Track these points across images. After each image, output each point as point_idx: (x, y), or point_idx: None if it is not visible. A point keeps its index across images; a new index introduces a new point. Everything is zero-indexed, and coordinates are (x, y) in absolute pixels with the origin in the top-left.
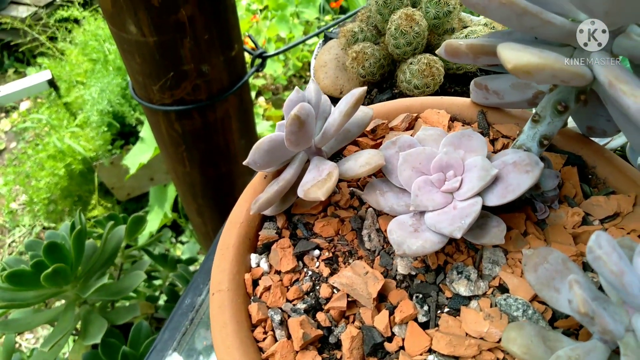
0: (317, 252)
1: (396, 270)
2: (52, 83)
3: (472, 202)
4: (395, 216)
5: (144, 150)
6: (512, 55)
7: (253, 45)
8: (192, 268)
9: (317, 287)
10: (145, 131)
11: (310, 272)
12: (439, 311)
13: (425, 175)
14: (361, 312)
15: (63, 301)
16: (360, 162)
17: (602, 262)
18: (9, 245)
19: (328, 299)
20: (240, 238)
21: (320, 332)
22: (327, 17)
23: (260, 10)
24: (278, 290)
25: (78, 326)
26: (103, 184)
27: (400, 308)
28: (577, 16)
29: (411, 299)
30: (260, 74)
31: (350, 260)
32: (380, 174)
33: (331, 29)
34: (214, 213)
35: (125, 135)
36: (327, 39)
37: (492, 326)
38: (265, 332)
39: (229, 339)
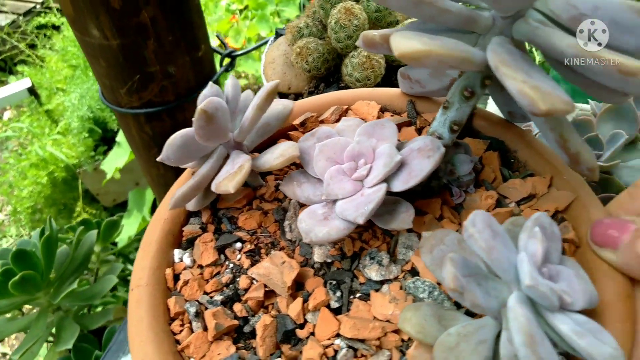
0: (239, 244)
1: (314, 259)
2: (32, 91)
3: (376, 188)
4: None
5: (120, 155)
6: (400, 42)
7: (222, 45)
8: None
9: (237, 279)
10: (121, 135)
11: (231, 265)
12: (351, 296)
13: (339, 165)
14: (278, 302)
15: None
16: (276, 154)
17: (473, 240)
18: None
19: (247, 290)
20: (163, 234)
21: (235, 322)
22: None
23: (240, 11)
24: (195, 283)
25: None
26: (89, 191)
27: (314, 295)
28: (478, 3)
29: (325, 285)
30: (242, 74)
31: (272, 252)
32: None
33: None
34: None
35: (108, 141)
36: (277, 35)
37: (397, 308)
38: (182, 325)
39: (143, 333)
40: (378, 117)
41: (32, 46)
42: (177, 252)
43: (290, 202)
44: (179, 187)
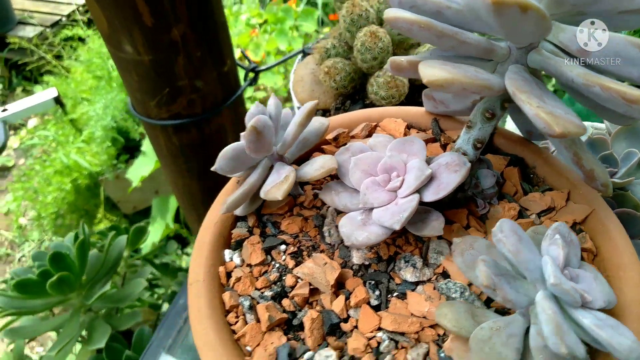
0: (283, 247)
1: (353, 261)
2: (58, 100)
3: (410, 198)
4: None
5: (145, 163)
6: (428, 71)
7: (246, 60)
8: None
9: (283, 277)
10: (146, 145)
11: (277, 265)
12: (389, 295)
13: (373, 177)
14: (322, 298)
15: (70, 310)
16: (316, 166)
17: (502, 244)
18: (19, 260)
19: (293, 287)
20: (215, 236)
21: (285, 315)
22: (326, 29)
23: (260, 25)
24: (248, 280)
25: (84, 334)
26: (110, 199)
27: (355, 293)
28: (495, 35)
29: (365, 285)
30: (261, 87)
31: (313, 254)
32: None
33: (310, 44)
34: None
35: (130, 150)
36: (305, 54)
37: (432, 306)
38: (237, 317)
39: (204, 321)
40: (405, 134)
41: (58, 57)
42: (227, 253)
43: (327, 209)
44: (228, 195)
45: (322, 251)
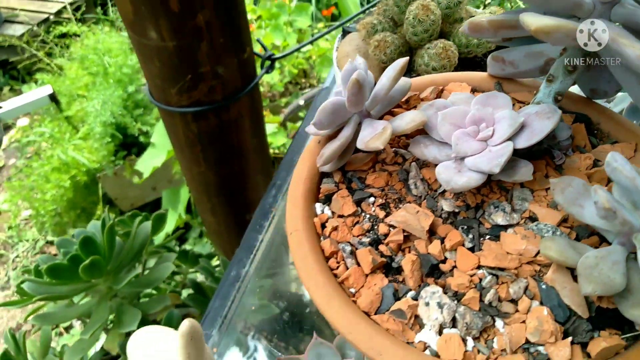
0: (372, 199)
1: (441, 210)
2: (53, 97)
3: (504, 145)
4: (437, 165)
5: (155, 155)
6: (534, 20)
7: (262, 49)
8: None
9: (376, 227)
10: (156, 136)
11: (368, 215)
12: (481, 239)
13: (462, 129)
14: (416, 244)
15: (89, 298)
16: (407, 120)
17: (618, 171)
18: (13, 260)
19: (386, 235)
20: (306, 191)
21: (384, 259)
22: (320, 25)
23: (255, 20)
24: (345, 228)
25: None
26: (106, 195)
27: (449, 238)
28: None
29: (458, 229)
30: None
31: (401, 205)
32: (420, 132)
33: (348, 23)
34: (228, 211)
35: (128, 146)
36: (345, 32)
37: (529, 244)
38: (337, 262)
39: (310, 267)
40: None
41: (49, 55)
42: (318, 206)
43: (410, 164)
44: (312, 153)
45: (408, 202)
